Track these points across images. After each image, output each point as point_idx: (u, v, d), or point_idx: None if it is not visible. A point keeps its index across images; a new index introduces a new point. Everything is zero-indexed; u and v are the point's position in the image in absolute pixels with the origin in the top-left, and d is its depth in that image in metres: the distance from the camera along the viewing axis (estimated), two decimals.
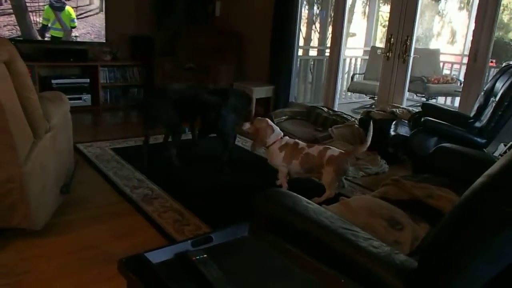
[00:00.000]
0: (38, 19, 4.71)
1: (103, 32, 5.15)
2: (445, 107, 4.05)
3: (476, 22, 3.49)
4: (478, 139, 2.88)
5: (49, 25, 4.65)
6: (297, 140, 2.88)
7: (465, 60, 6.59)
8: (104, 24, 5.13)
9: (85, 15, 5.03)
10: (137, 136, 4.01)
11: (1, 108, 1.77)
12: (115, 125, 4.86)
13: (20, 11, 4.52)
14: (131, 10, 5.42)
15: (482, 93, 3.20)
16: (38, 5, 4.65)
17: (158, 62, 5.29)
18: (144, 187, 2.88)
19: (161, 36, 5.55)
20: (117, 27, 5.20)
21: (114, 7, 5.14)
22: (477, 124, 3.06)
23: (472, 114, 3.21)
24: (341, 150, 2.80)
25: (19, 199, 1.95)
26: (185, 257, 1.15)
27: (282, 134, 2.91)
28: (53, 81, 4.81)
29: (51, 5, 4.50)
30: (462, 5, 7.96)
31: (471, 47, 3.54)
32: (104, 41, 5.19)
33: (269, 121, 2.92)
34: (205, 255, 1.14)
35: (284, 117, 4.57)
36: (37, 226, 2.10)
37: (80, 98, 4.95)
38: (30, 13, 4.60)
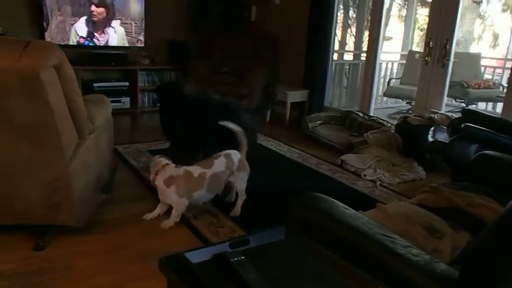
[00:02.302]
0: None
1: (142, 37, 5.31)
2: (487, 113, 3.91)
3: None
4: None
5: None
6: (186, 168, 2.40)
7: (508, 64, 6.37)
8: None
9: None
10: None
11: (51, 112, 1.86)
12: (152, 128, 4.97)
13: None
14: (168, 15, 5.55)
15: None
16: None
17: (193, 65, 5.39)
18: None
19: (197, 41, 5.66)
20: (155, 31, 5.34)
21: (153, 12, 5.28)
22: None
23: None
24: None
25: (65, 198, 2.04)
26: (223, 258, 1.17)
27: (164, 162, 2.38)
28: (95, 84, 4.99)
29: None
30: (505, 7, 7.67)
31: None
32: (143, 46, 5.34)
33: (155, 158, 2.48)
34: (243, 257, 1.16)
35: (319, 122, 4.55)
36: (79, 223, 2.19)
37: (119, 101, 5.11)
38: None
